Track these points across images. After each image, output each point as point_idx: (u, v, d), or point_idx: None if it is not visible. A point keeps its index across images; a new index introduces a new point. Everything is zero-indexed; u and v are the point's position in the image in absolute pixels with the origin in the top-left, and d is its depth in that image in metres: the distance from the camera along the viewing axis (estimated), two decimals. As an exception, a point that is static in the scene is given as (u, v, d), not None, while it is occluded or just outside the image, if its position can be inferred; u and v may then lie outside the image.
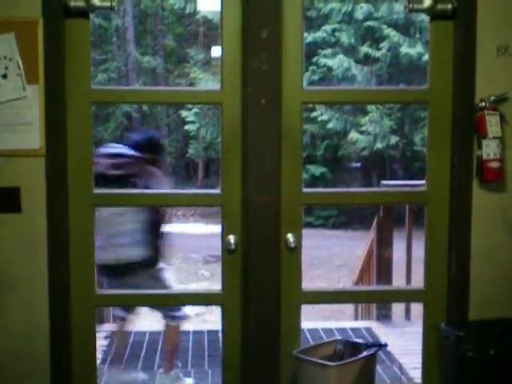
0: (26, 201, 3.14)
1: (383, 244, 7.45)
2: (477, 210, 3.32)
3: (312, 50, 19.39)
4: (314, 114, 19.33)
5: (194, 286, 11.70)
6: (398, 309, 7.94)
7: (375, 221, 7.56)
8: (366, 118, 19.18)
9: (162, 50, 26.06)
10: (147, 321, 9.09)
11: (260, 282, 3.31)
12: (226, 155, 3.31)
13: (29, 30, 3.10)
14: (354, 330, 6.98)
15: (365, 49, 19.65)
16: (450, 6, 3.23)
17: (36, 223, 3.17)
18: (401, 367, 5.66)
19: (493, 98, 3.24)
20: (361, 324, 7.41)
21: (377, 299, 4.08)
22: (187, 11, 23.13)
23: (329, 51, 19.72)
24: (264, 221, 3.29)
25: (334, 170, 21.40)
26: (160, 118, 25.73)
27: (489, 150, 3.21)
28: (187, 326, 7.42)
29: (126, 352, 6.20)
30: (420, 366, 3.56)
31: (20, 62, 3.10)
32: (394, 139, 19.17)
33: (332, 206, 16.47)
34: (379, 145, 19.14)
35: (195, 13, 22.72)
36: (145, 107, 24.19)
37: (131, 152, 5.33)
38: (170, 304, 4.77)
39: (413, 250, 7.34)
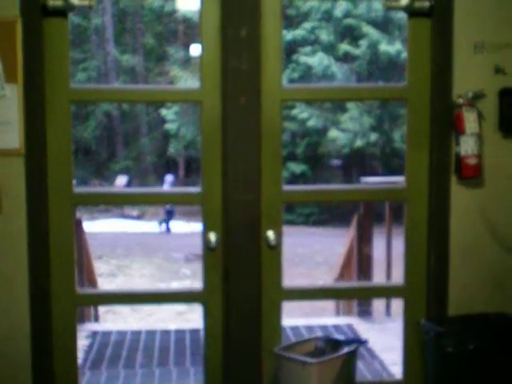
0: (6, 201, 3.13)
1: (363, 241, 7.48)
2: (455, 207, 3.34)
3: (291, 48, 19.42)
4: (293, 112, 19.35)
5: (175, 285, 11.68)
6: (378, 305, 7.97)
7: (355, 218, 7.58)
8: (346, 116, 19.23)
9: (141, 49, 26.01)
10: (128, 320, 9.10)
11: (241, 280, 3.32)
12: (206, 153, 3.31)
13: (7, 29, 3.09)
14: (335, 326, 6.99)
15: (344, 46, 19.70)
16: (427, 4, 3.26)
17: (16, 223, 3.15)
18: (382, 363, 5.68)
19: (470, 94, 3.26)
20: (342, 320, 7.43)
21: (357, 295, 4.10)
22: (166, 10, 23.12)
23: (308, 49, 19.76)
24: (244, 219, 3.30)
25: (314, 168, 21.45)
26: (140, 116, 25.68)
27: (467, 146, 3.23)
28: (169, 325, 7.43)
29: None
30: (401, 361, 3.58)
31: (-2, 62, 3.09)
32: (373, 136, 19.24)
33: (312, 203, 16.51)
34: (359, 142, 19.20)
35: (174, 11, 22.69)
36: (125, 106, 24.13)
37: None
38: (150, 303, 4.75)
39: (393, 246, 7.37)
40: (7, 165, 3.12)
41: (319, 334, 5.60)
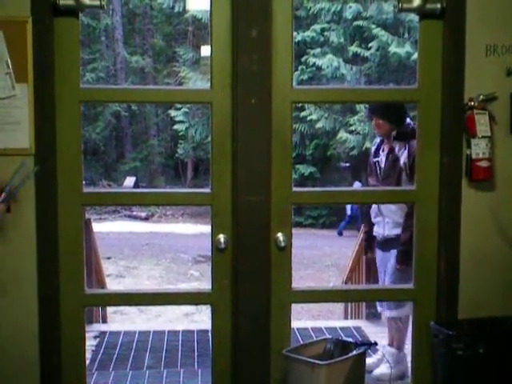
0: (15, 201, 3.12)
1: (373, 244, 7.44)
2: (466, 210, 3.33)
3: (301, 50, 19.42)
4: (303, 114, 19.35)
5: (183, 286, 11.67)
6: (387, 308, 7.94)
7: (365, 220, 7.54)
8: (355, 118, 19.21)
9: (150, 50, 26.07)
10: (136, 321, 9.11)
11: (250, 282, 3.31)
12: (216, 154, 3.30)
13: (18, 28, 3.09)
14: (343, 329, 6.98)
15: (354, 48, 19.68)
16: (439, 6, 3.24)
17: (25, 223, 3.15)
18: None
19: (482, 97, 3.25)
20: (350, 323, 7.42)
21: (366, 298, 4.09)
22: (176, 10, 23.12)
23: (318, 51, 19.75)
24: (254, 220, 3.29)
25: (323, 170, 21.44)
26: (149, 117, 25.72)
27: (478, 149, 3.22)
28: (176, 326, 7.43)
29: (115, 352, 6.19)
30: (410, 364, 3.57)
31: (9, 61, 3.09)
32: (382, 139, 19.17)
33: (321, 205, 16.48)
34: (368, 144, 19.14)
35: (184, 12, 22.70)
36: (134, 107, 24.17)
37: None
38: (158, 303, 4.74)
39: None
40: (17, 165, 3.11)
41: (328, 336, 5.59)
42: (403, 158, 4.75)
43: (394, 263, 4.99)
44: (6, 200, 3.04)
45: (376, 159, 4.96)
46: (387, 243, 5.13)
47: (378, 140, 5.09)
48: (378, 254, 5.36)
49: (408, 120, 4.91)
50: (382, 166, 4.87)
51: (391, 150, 4.81)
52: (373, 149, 5.10)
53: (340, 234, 18.92)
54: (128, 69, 25.46)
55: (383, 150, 4.90)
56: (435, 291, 3.42)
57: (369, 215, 5.23)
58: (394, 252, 5.06)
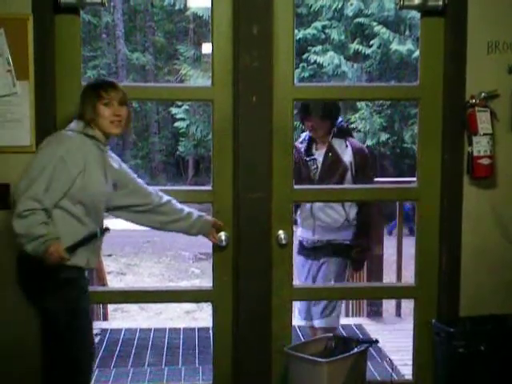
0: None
1: (374, 241, 7.42)
2: (467, 207, 3.33)
3: (302, 47, 19.36)
4: (304, 111, 19.31)
5: (184, 284, 11.66)
6: (388, 306, 7.93)
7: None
8: (356, 116, 19.17)
9: (151, 47, 26.01)
10: (137, 319, 9.10)
11: (251, 279, 3.31)
12: (217, 152, 3.30)
13: (19, 26, 3.09)
14: (344, 326, 6.95)
15: (355, 46, 19.62)
16: (440, 3, 3.25)
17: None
18: (392, 364, 5.65)
19: (483, 94, 3.25)
20: (351, 321, 7.37)
21: (367, 296, 4.08)
22: (177, 8, 23.04)
23: (319, 48, 19.69)
24: (255, 217, 3.29)
25: (324, 167, 21.37)
26: (150, 114, 25.68)
27: (479, 146, 3.22)
28: (177, 324, 7.42)
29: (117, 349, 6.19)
30: (411, 362, 3.57)
31: (10, 59, 3.09)
32: (384, 136, 19.16)
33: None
34: (369, 142, 19.13)
35: (185, 9, 22.66)
36: (135, 104, 24.10)
37: None
38: (159, 301, 4.72)
39: (403, 246, 7.33)
40: (18, 162, 3.11)
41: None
42: (347, 156, 4.55)
43: (347, 270, 4.68)
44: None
45: (310, 158, 4.68)
46: (317, 250, 4.61)
47: (305, 137, 4.80)
48: (301, 262, 4.70)
49: (340, 117, 4.74)
50: (319, 165, 4.64)
51: (330, 149, 4.59)
52: (302, 147, 4.72)
53: (390, 233, 18.47)
54: (129, 66, 25.41)
55: (317, 149, 4.68)
56: (436, 289, 3.42)
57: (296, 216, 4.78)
58: (331, 259, 4.65)
